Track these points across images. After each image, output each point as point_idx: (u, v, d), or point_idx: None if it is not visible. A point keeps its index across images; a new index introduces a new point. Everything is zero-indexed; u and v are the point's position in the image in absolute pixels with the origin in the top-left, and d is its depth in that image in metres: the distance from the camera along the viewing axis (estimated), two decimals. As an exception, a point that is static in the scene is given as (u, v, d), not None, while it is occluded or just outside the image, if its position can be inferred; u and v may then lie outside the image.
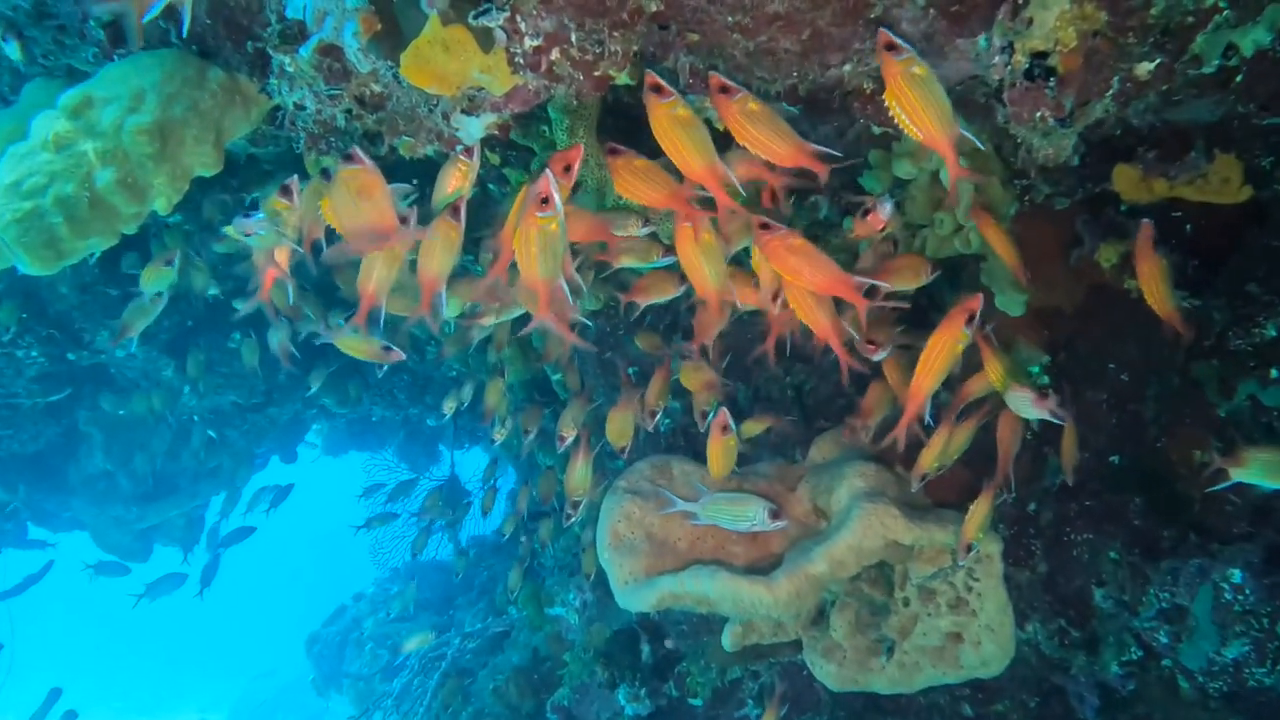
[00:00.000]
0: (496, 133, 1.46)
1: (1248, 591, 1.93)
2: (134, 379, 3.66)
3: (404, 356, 1.91)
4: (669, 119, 1.34)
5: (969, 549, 1.88)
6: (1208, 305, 1.98)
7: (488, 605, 5.55)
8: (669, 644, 2.70)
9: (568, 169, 1.38)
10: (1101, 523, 2.12)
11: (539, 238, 1.32)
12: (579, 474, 2.21)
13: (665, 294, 1.95)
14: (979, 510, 1.88)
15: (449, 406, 3.67)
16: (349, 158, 1.33)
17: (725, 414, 2.02)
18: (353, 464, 7.10)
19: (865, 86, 1.22)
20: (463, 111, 1.37)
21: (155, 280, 1.98)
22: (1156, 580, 2.04)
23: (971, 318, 1.59)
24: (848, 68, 1.15)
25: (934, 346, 1.62)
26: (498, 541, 5.66)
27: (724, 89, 1.34)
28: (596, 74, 1.31)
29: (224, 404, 3.84)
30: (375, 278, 1.46)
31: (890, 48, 1.19)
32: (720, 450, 2.01)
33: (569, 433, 2.31)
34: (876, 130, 1.40)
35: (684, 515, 2.11)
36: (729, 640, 2.27)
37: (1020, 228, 2.00)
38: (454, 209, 1.44)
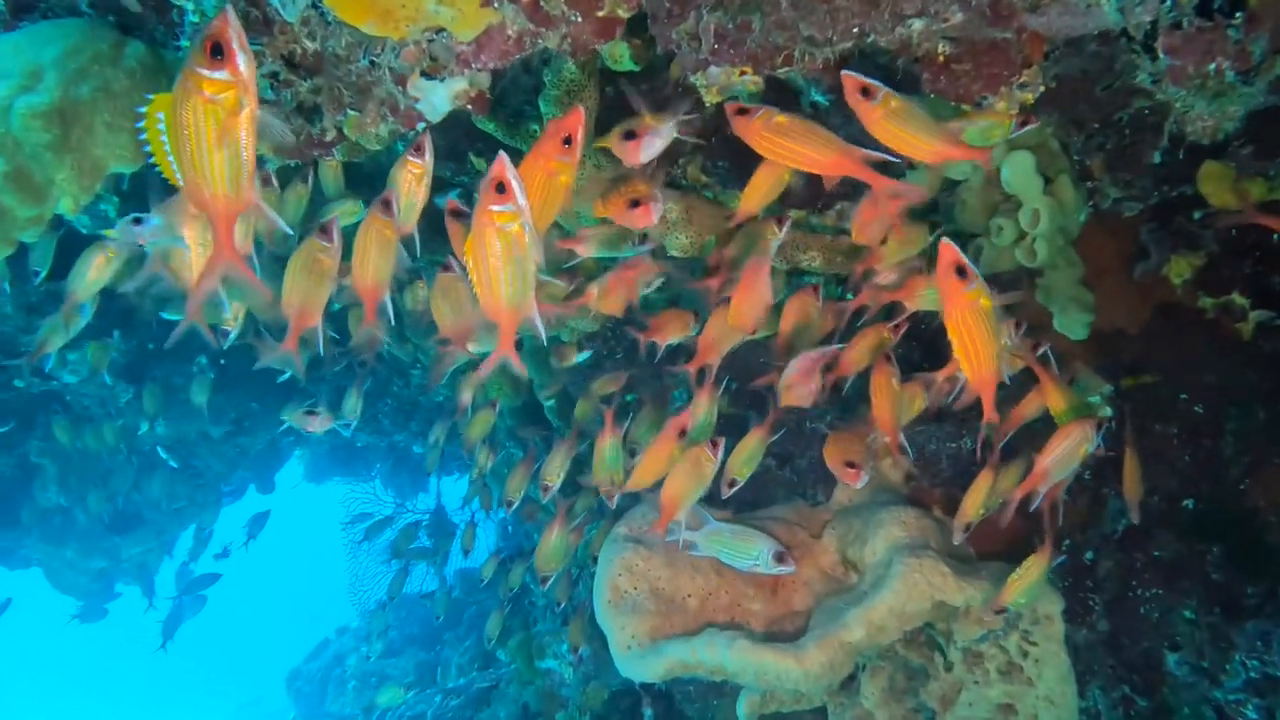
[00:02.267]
0: (469, 105, 1.17)
1: (1356, 658, 1.66)
2: (89, 406, 3.37)
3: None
4: (767, 130, 1.11)
5: (1002, 611, 1.60)
6: (1301, 326, 1.72)
7: (476, 642, 5.25)
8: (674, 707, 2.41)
9: (568, 141, 1.09)
10: (1173, 576, 1.85)
11: (497, 243, 1.00)
12: (553, 545, 1.93)
13: (682, 333, 1.77)
14: (1030, 573, 1.59)
15: (437, 434, 3.43)
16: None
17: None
18: (337, 492, 6.78)
19: (939, 51, 0.95)
20: (423, 75, 1.08)
21: (86, 280, 1.66)
22: (1243, 645, 1.76)
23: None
24: (918, 24, 0.88)
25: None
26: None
27: (742, 110, 1.11)
28: (600, 13, 1.03)
29: (189, 433, 3.55)
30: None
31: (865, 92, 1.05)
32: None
33: (552, 480, 2.03)
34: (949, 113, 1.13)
35: (684, 545, 1.83)
36: (745, 711, 1.99)
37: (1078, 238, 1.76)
38: (323, 229, 1.19)
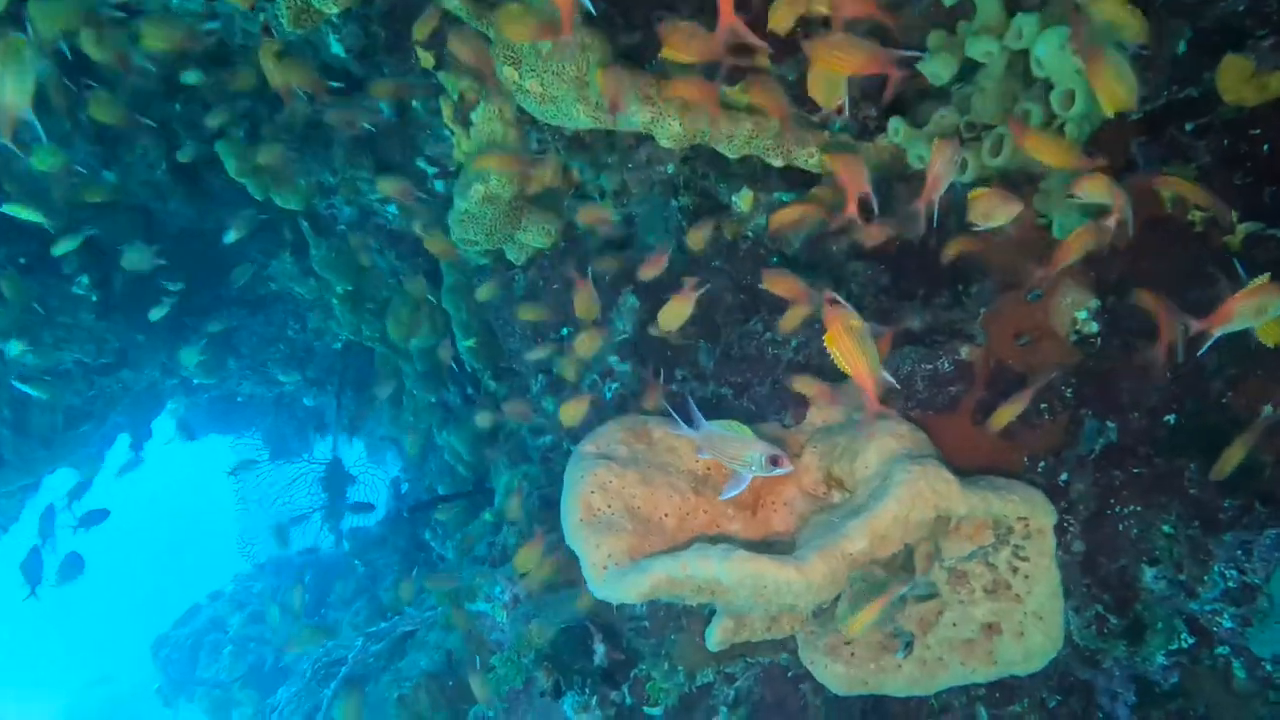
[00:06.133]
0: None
1: (1332, 567, 1.68)
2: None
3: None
4: None
5: None
6: (1293, 238, 1.72)
7: (368, 603, 4.99)
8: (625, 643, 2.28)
9: None
10: (1152, 492, 1.84)
11: None
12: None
13: None
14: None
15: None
16: None
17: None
18: (212, 448, 6.35)
19: None
20: None
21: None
22: (1222, 555, 1.76)
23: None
24: None
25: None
26: (381, 534, 5.09)
27: None
28: None
29: (65, 361, 3.17)
30: None
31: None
32: None
33: None
34: None
35: (691, 444, 1.76)
36: (717, 637, 1.88)
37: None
38: None
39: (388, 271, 3.44)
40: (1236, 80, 1.49)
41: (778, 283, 1.85)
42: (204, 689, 6.04)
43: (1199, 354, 1.49)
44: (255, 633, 6.05)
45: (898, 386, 1.79)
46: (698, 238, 2.14)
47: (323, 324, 4.29)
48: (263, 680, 5.65)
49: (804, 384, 2.02)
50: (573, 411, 2.24)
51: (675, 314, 2.04)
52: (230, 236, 3.51)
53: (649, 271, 2.05)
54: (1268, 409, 1.73)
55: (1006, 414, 1.68)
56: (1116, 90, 1.28)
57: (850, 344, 1.49)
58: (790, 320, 1.91)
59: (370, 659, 2.84)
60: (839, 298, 1.55)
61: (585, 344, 2.17)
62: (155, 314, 3.31)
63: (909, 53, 1.45)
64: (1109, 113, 1.31)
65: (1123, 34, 1.34)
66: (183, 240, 3.69)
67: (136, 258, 3.08)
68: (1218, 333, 1.41)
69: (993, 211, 1.55)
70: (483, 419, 2.79)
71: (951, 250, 1.79)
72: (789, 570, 1.51)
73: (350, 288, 3.54)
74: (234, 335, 4.47)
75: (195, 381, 4.63)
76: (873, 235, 1.87)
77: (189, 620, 6.38)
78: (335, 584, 5.14)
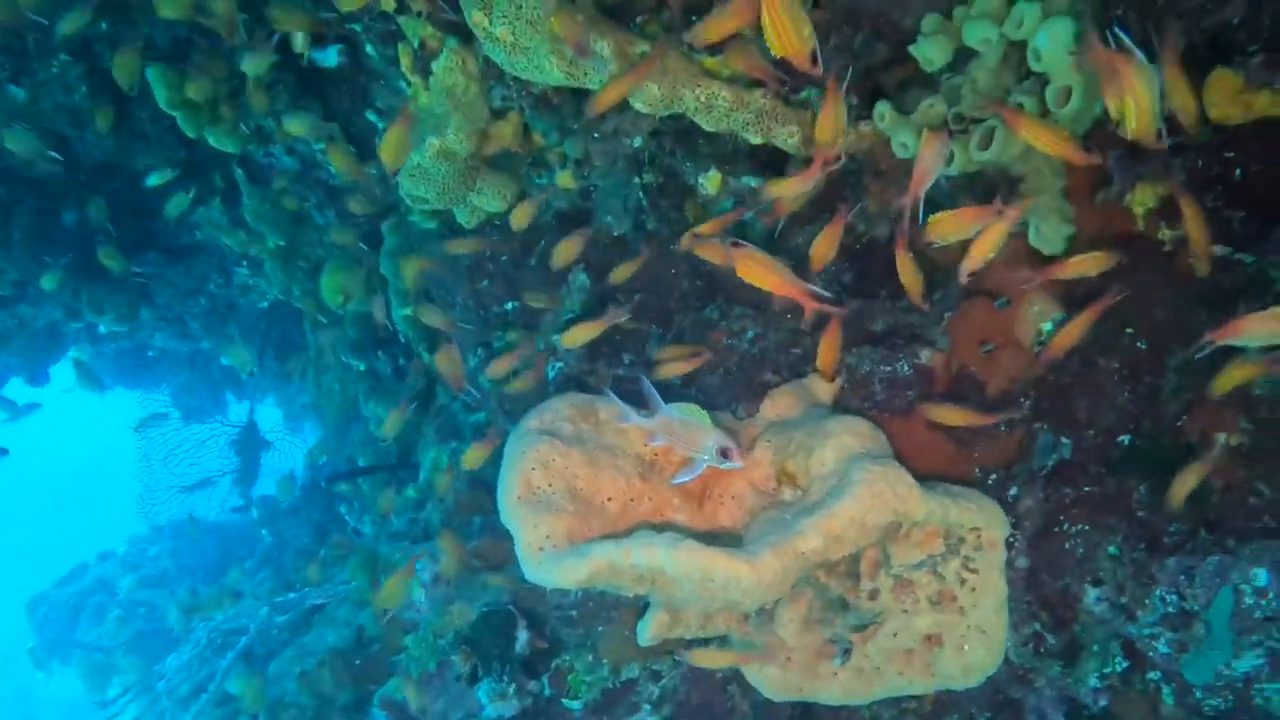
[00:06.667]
0: None
1: (1272, 595, 1.67)
2: None
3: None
4: None
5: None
6: (1263, 263, 1.70)
7: (274, 574, 4.79)
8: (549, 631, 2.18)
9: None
10: (1100, 512, 1.82)
11: None
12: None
13: None
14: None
15: None
16: None
17: None
18: (116, 402, 6.01)
19: None
20: None
21: None
22: (1164, 580, 1.75)
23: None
24: None
25: None
26: (294, 504, 4.88)
27: None
28: None
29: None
30: None
31: None
32: None
33: None
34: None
35: (641, 433, 1.70)
36: (651, 631, 1.79)
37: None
38: None
39: (326, 228, 3.27)
40: (1224, 96, 1.46)
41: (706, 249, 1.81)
42: (83, 652, 5.73)
43: (1195, 354, 1.47)
44: (146, 597, 5.75)
45: (828, 296, 1.69)
46: (621, 273, 2.16)
47: (250, 280, 4.08)
48: (149, 647, 5.38)
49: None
50: (518, 385, 2.14)
51: (580, 335, 2.01)
52: (154, 180, 3.30)
53: (622, 275, 2.00)
54: (1222, 437, 1.71)
55: (952, 416, 1.64)
56: (1146, 114, 1.24)
57: (762, 267, 1.54)
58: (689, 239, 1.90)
59: (274, 630, 2.68)
60: (741, 241, 1.59)
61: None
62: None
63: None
64: (1131, 134, 1.27)
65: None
66: (98, 175, 3.46)
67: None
68: (1220, 343, 1.38)
69: (951, 235, 1.52)
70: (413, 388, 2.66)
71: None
72: (740, 565, 1.44)
73: (283, 243, 3.35)
74: (150, 284, 4.22)
75: (102, 330, 4.37)
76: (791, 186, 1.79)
77: (73, 580, 6.05)
78: (239, 551, 4.92)
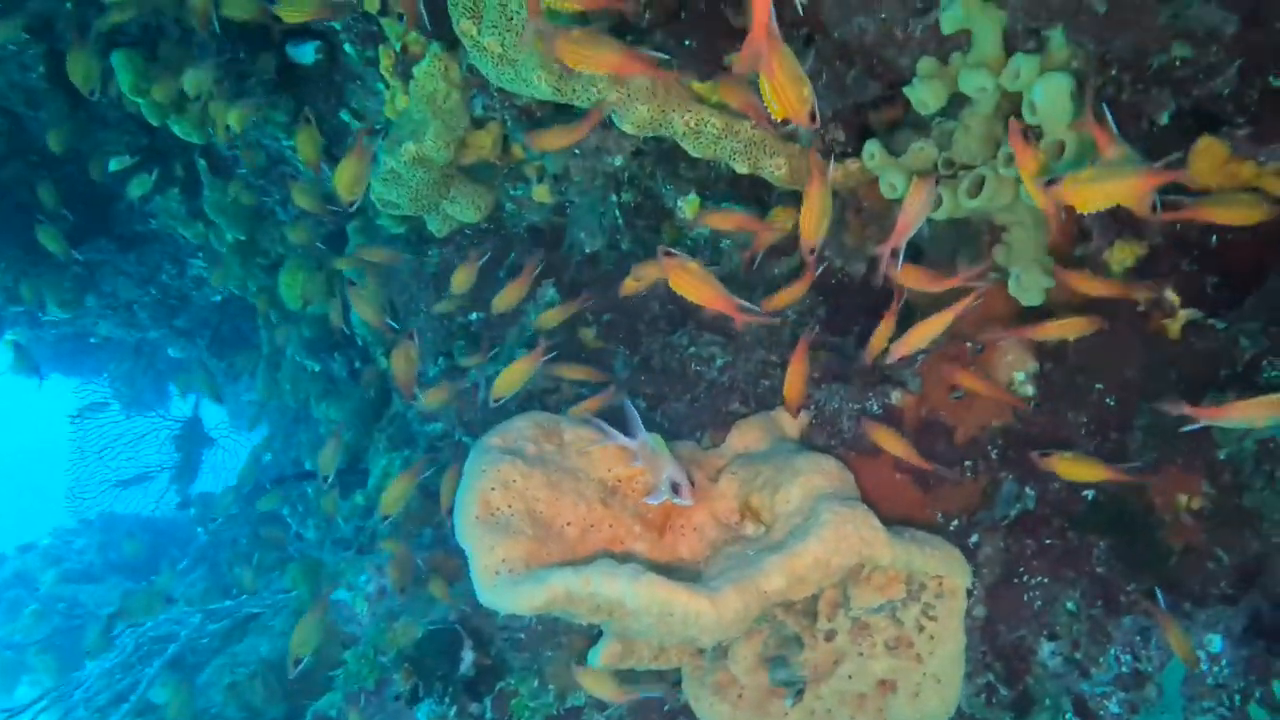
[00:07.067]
0: None
1: (1225, 663, 1.67)
2: None
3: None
4: None
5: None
6: (1234, 330, 1.72)
7: (208, 574, 4.64)
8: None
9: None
10: (1060, 566, 1.81)
11: None
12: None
13: None
14: None
15: None
16: None
17: None
18: (51, 389, 5.80)
19: None
20: None
21: None
22: (1120, 639, 1.75)
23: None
24: None
25: None
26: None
27: None
28: None
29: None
30: None
31: None
32: None
33: None
34: None
35: (607, 453, 1.71)
36: (602, 660, 1.74)
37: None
38: None
39: (287, 225, 3.19)
40: (1210, 164, 1.47)
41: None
42: (-9, 650, 5.49)
43: (1182, 430, 1.46)
44: (68, 593, 5.53)
45: (757, 310, 1.67)
46: (548, 318, 2.19)
47: (205, 273, 3.97)
48: (65, 646, 5.16)
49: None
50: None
51: (511, 380, 1.98)
52: (114, 165, 3.20)
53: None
54: (1183, 499, 1.72)
55: (894, 445, 1.63)
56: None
57: (692, 278, 1.51)
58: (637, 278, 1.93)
59: (205, 639, 2.57)
60: (673, 250, 1.57)
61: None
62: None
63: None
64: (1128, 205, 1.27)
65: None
66: (52, 158, 3.34)
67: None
68: (1204, 423, 1.38)
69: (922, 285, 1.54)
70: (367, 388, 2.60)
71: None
72: (701, 601, 1.40)
73: (243, 238, 3.26)
74: (98, 270, 4.09)
75: (43, 316, 4.22)
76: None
77: (-13, 572, 5.81)
78: (171, 550, 4.75)
